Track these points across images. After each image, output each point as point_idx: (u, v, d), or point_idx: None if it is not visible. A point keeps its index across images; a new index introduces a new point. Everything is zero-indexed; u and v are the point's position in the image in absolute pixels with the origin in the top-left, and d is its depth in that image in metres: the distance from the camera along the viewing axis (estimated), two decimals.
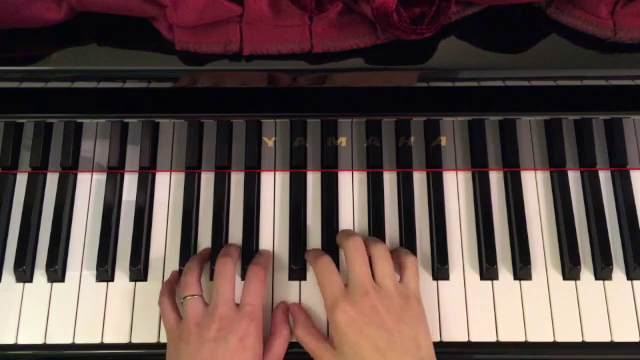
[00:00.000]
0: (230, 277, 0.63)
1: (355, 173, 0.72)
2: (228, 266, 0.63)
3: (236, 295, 0.64)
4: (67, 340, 0.66)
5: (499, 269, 0.68)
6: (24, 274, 0.68)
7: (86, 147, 0.71)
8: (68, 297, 0.68)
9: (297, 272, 0.68)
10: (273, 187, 0.72)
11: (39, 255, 0.69)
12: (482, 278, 0.68)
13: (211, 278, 0.67)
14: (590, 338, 0.66)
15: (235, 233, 0.70)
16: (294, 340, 0.65)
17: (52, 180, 0.72)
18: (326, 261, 0.63)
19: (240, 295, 0.63)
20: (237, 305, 0.62)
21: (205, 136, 0.70)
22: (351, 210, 0.71)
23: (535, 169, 0.72)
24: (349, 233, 0.66)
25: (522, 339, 0.66)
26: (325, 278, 0.62)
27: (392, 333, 0.58)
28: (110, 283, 0.68)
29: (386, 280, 0.62)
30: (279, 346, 0.63)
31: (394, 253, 0.66)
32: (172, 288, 0.66)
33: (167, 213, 0.71)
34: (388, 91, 0.62)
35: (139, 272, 0.68)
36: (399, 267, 0.65)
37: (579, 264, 0.67)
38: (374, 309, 0.59)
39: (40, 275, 0.69)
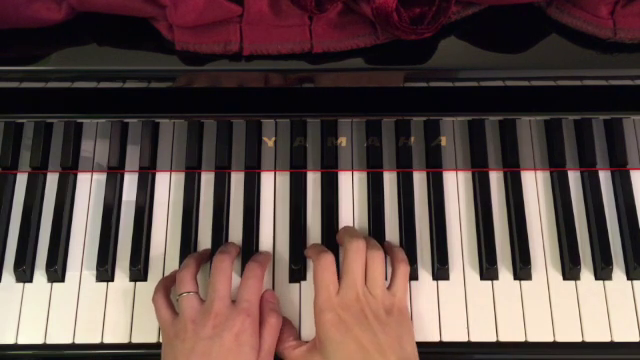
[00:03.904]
0: (226, 274, 0.63)
1: (355, 173, 0.72)
2: (225, 263, 0.63)
3: (234, 293, 0.64)
4: (67, 340, 0.66)
5: (499, 269, 0.68)
6: (24, 274, 0.68)
7: (86, 147, 0.71)
8: (68, 297, 0.68)
9: (297, 272, 0.68)
10: (273, 187, 0.72)
11: (39, 255, 0.69)
12: (482, 278, 0.68)
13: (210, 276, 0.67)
14: (590, 338, 0.66)
15: (235, 233, 0.70)
16: None
17: (52, 180, 0.72)
18: (328, 259, 0.63)
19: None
20: (233, 302, 0.62)
21: (205, 136, 0.70)
22: (351, 210, 0.71)
23: (535, 169, 0.72)
24: (352, 233, 0.66)
25: (522, 339, 0.66)
26: (323, 276, 0.62)
27: (377, 334, 0.59)
28: (110, 283, 0.68)
29: (376, 289, 0.62)
30: (269, 336, 0.62)
31: (390, 251, 0.66)
32: (167, 285, 0.66)
33: (167, 213, 0.71)
34: (388, 91, 0.62)
35: (139, 272, 0.68)
36: (391, 271, 0.65)
37: (579, 264, 0.67)
38: (362, 313, 0.60)
39: (40, 275, 0.69)
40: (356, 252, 0.63)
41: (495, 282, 0.68)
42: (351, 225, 0.70)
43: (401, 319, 0.62)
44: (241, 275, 0.67)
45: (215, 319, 0.60)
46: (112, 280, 0.69)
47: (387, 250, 0.67)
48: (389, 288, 0.64)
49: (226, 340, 0.58)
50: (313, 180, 0.72)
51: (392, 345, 0.59)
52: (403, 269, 0.65)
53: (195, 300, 0.62)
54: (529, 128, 0.70)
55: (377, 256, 0.63)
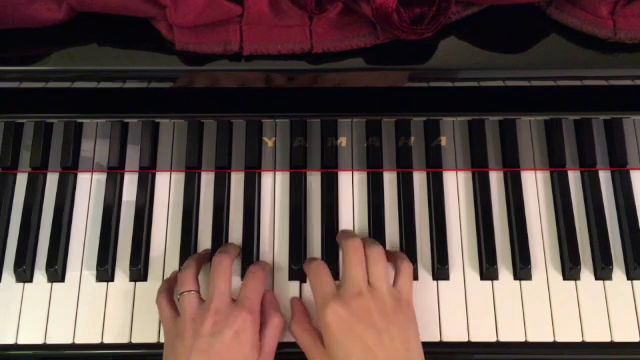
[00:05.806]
0: (226, 272, 0.63)
1: (355, 173, 0.72)
2: (225, 262, 0.63)
3: (235, 294, 0.64)
4: (67, 340, 0.66)
5: (499, 269, 0.68)
6: (24, 274, 0.68)
7: (86, 147, 0.71)
8: (68, 297, 0.68)
9: (297, 272, 0.68)
10: (273, 187, 0.72)
11: (39, 255, 0.69)
12: (482, 278, 0.68)
13: None
14: (590, 338, 0.66)
15: (235, 233, 0.70)
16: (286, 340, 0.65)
17: (52, 180, 0.72)
18: (319, 264, 0.64)
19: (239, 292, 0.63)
20: (234, 300, 0.62)
21: (205, 136, 0.70)
22: (351, 210, 0.71)
23: (535, 169, 0.72)
24: (349, 234, 0.66)
25: (522, 339, 0.66)
26: (317, 279, 0.63)
27: (381, 334, 0.58)
28: (110, 283, 0.68)
29: (379, 282, 0.62)
30: (271, 336, 0.62)
31: (391, 255, 0.66)
32: (170, 286, 0.66)
33: (167, 213, 0.71)
34: (388, 91, 0.62)
35: (139, 272, 0.68)
36: (394, 271, 0.65)
37: (579, 264, 0.67)
38: (366, 309, 0.59)
39: (40, 275, 0.69)
40: (353, 249, 0.63)
41: (495, 282, 0.68)
42: (350, 226, 0.70)
43: (409, 315, 0.62)
44: (241, 276, 0.68)
45: (215, 316, 0.59)
46: (112, 280, 0.69)
47: (387, 256, 0.67)
48: (394, 285, 0.63)
49: (226, 337, 0.58)
50: (313, 180, 0.72)
51: (397, 347, 0.58)
52: (406, 265, 0.64)
53: (195, 298, 0.62)
54: (529, 128, 0.70)
55: (376, 251, 0.63)
